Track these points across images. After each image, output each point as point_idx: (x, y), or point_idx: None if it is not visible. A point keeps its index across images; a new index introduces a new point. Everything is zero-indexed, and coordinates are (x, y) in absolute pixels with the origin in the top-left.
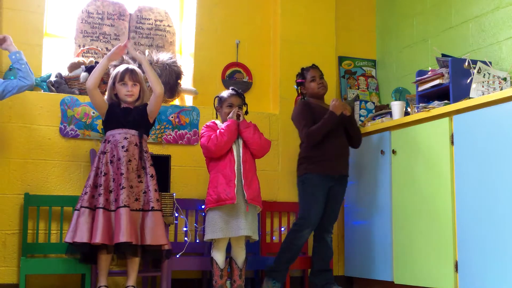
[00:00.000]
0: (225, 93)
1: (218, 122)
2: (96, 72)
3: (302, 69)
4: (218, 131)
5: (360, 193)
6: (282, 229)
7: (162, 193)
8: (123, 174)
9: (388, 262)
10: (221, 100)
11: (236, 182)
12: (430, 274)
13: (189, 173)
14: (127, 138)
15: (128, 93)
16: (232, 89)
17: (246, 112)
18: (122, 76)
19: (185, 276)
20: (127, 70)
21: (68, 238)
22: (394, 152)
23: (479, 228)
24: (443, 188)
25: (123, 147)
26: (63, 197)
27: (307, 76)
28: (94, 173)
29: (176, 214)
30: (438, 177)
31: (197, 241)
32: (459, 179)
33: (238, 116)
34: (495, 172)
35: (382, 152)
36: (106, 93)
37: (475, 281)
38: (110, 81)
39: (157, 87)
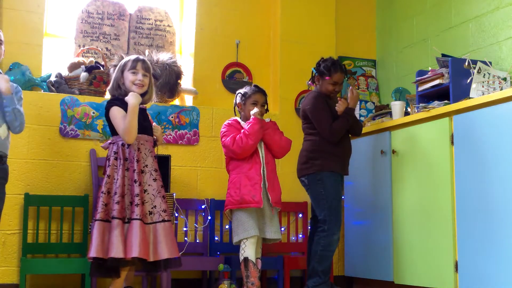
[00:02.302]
0: (249, 89)
1: (239, 119)
2: (134, 125)
3: (333, 62)
4: (242, 132)
5: (360, 193)
6: (282, 229)
7: None
8: (163, 186)
9: (388, 262)
10: (244, 96)
11: (261, 185)
12: (430, 274)
13: (189, 173)
14: (153, 146)
15: (139, 82)
16: (255, 86)
17: (267, 110)
18: (133, 64)
19: (185, 276)
20: (138, 58)
21: (99, 253)
22: (394, 152)
23: (479, 228)
24: (443, 188)
25: (155, 157)
26: (63, 197)
27: (332, 76)
28: (121, 182)
29: (176, 214)
30: (438, 177)
31: (197, 241)
32: (459, 179)
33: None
34: (495, 172)
35: (382, 152)
36: (110, 84)
37: (475, 281)
38: (117, 71)
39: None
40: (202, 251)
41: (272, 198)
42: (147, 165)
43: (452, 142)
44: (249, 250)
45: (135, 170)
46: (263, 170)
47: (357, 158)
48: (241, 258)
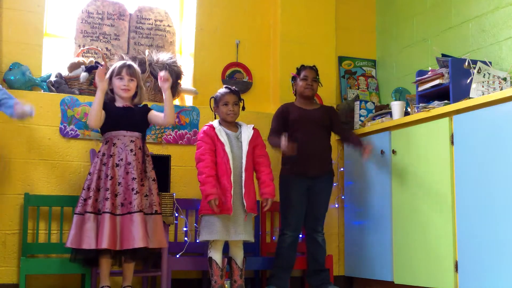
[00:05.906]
0: (219, 91)
1: (215, 124)
2: (94, 110)
3: (302, 65)
4: (200, 177)
5: (360, 193)
6: None
7: (162, 193)
8: (135, 178)
9: (388, 262)
10: (216, 100)
11: (232, 193)
12: (430, 274)
13: (189, 173)
14: (133, 141)
15: (124, 87)
16: (226, 87)
17: (243, 108)
18: (119, 71)
19: (185, 276)
20: (124, 64)
21: (73, 244)
22: (394, 152)
23: (479, 228)
24: (443, 188)
25: (131, 150)
26: (63, 197)
27: (301, 74)
28: (97, 176)
29: (176, 214)
30: (438, 177)
31: (197, 241)
32: (459, 179)
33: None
34: (495, 172)
35: (382, 152)
36: None
37: (475, 281)
38: (107, 77)
39: (170, 120)
40: (202, 251)
41: (247, 205)
42: (122, 159)
43: (452, 142)
44: (214, 251)
45: (109, 164)
46: (240, 176)
47: (357, 158)
48: (208, 257)
